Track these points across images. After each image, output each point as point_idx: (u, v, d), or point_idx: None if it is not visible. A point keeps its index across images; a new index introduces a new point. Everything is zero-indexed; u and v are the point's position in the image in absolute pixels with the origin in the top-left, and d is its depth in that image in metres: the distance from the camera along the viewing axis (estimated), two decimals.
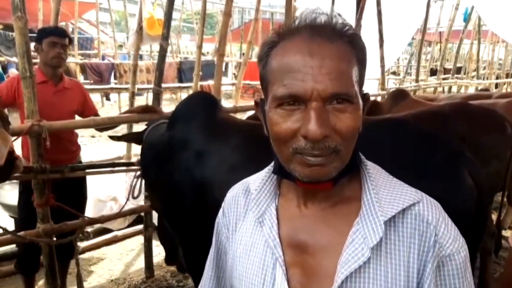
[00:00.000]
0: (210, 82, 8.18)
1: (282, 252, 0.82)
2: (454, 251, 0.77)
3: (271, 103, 0.77)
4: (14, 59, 7.98)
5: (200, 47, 4.72)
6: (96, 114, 3.21)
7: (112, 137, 2.75)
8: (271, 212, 0.86)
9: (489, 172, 2.30)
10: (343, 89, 0.72)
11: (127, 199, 3.00)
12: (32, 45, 2.81)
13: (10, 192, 3.61)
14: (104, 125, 3.11)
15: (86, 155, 6.06)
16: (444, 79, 9.29)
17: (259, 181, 0.91)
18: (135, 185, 2.69)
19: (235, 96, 6.23)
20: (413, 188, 0.83)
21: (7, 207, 3.75)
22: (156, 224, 3.76)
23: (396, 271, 0.76)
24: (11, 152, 2.11)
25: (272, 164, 0.89)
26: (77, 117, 3.15)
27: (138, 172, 2.67)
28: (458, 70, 11.14)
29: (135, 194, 2.76)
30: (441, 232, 0.77)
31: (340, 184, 0.80)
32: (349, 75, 0.74)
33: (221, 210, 0.99)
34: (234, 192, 0.97)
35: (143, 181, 2.67)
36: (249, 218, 0.90)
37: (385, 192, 0.80)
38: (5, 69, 9.63)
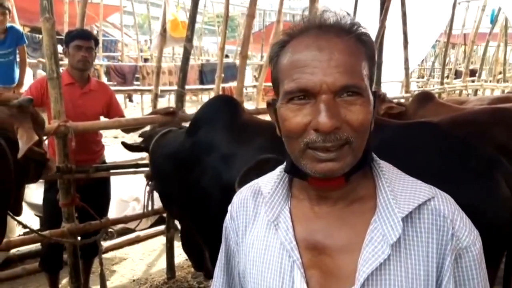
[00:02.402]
0: (231, 84, 8.21)
1: (300, 254, 0.81)
2: (471, 243, 0.77)
3: (282, 99, 0.77)
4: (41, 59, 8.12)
5: (222, 49, 4.74)
6: (122, 116, 3.23)
7: (125, 145, 2.80)
8: (285, 215, 0.85)
9: None
10: (352, 81, 0.73)
11: (144, 209, 2.97)
12: (60, 47, 2.87)
13: (36, 191, 3.68)
14: (129, 126, 3.14)
15: (109, 156, 6.12)
16: (469, 81, 9.10)
17: (271, 183, 0.89)
18: (149, 199, 2.68)
19: (256, 98, 6.23)
20: (426, 184, 0.83)
21: (32, 206, 3.82)
22: (178, 225, 3.78)
23: (416, 267, 0.76)
24: (43, 154, 2.15)
25: (282, 166, 0.89)
26: (102, 118, 3.19)
27: (149, 186, 2.68)
28: (474, 73, 10.92)
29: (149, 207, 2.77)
30: (458, 225, 0.77)
31: (353, 183, 0.80)
32: (358, 68, 0.75)
33: (228, 215, 0.97)
34: (242, 196, 0.95)
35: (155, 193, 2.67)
36: (260, 221, 0.89)
37: (400, 189, 0.80)
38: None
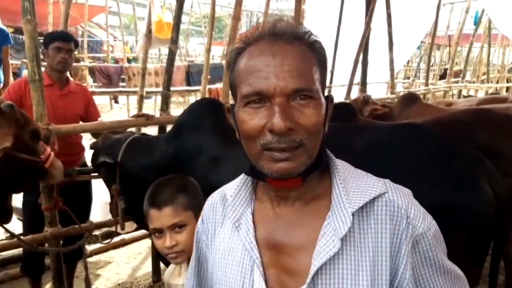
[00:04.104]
0: (218, 86, 8.18)
1: (259, 253, 0.85)
2: (426, 229, 0.82)
3: (239, 103, 0.82)
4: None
5: (208, 50, 4.71)
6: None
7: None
8: (247, 216, 0.89)
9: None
10: (304, 85, 0.78)
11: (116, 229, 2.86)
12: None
13: (18, 195, 3.61)
14: (113, 129, 3.10)
15: None
16: (454, 82, 9.20)
17: (234, 187, 0.94)
18: (123, 217, 2.54)
19: None
20: (381, 179, 0.87)
21: (14, 210, 3.74)
22: None
23: (366, 258, 0.80)
24: (37, 162, 2.09)
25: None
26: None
27: (120, 202, 2.50)
28: (457, 74, 11.06)
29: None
30: (412, 214, 0.82)
31: (311, 183, 0.85)
32: (310, 73, 0.79)
33: (200, 218, 1.01)
34: (212, 200, 0.99)
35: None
36: (227, 224, 0.93)
37: (353, 186, 0.84)
38: (16, 74, 9.66)
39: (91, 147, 2.72)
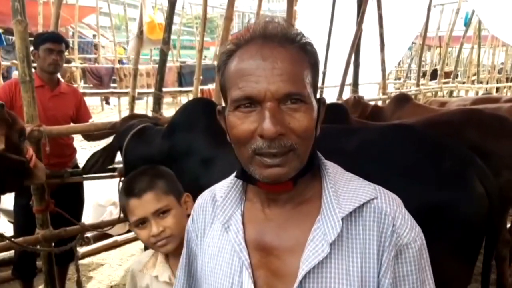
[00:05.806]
0: (210, 87, 8.17)
1: (248, 255, 0.85)
2: (411, 240, 0.81)
3: (229, 107, 0.80)
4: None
5: (200, 51, 4.70)
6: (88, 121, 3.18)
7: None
8: (237, 218, 0.88)
9: (502, 182, 2.22)
10: (295, 89, 0.76)
11: (120, 212, 2.88)
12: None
13: (9, 197, 3.57)
14: (104, 130, 3.08)
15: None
16: (444, 83, 9.27)
17: (224, 188, 0.93)
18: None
19: None
20: (372, 184, 0.87)
21: (6, 212, 3.72)
22: None
23: (354, 263, 0.79)
24: (22, 161, 2.07)
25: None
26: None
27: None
28: (448, 75, 11.15)
29: None
30: (399, 223, 0.81)
31: (301, 185, 0.84)
32: (301, 77, 0.78)
33: (190, 217, 1.00)
34: (203, 199, 0.99)
35: None
36: (216, 225, 0.92)
37: (343, 190, 0.84)
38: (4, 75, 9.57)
39: (110, 127, 2.75)
